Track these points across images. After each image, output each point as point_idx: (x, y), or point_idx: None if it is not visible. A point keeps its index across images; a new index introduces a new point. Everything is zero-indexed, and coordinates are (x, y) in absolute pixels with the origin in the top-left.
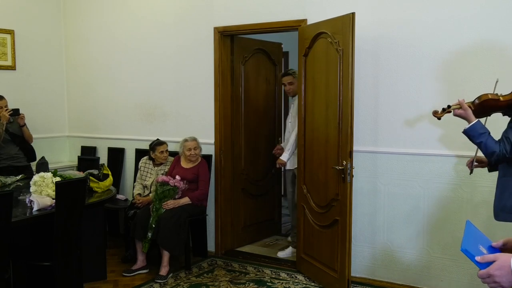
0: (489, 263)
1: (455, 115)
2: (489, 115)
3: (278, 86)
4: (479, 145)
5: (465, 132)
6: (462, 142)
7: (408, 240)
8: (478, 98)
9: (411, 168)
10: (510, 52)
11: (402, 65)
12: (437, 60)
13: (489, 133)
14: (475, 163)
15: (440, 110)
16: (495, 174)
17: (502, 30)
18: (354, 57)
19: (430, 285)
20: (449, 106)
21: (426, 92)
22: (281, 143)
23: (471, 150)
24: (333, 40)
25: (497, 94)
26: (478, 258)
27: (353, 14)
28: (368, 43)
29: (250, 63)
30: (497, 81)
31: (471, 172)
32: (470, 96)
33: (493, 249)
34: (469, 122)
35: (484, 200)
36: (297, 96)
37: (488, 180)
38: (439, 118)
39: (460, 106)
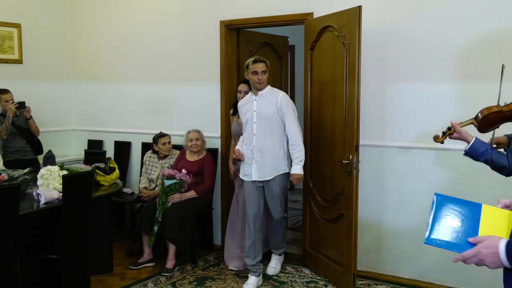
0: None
1: (451, 138)
2: (497, 127)
3: (284, 79)
4: (486, 163)
5: (467, 153)
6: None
7: (414, 233)
8: (481, 112)
9: (417, 162)
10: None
11: (409, 58)
12: (445, 54)
13: (491, 147)
14: (494, 145)
15: (440, 134)
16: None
17: (508, 21)
18: (360, 51)
19: (436, 279)
20: (449, 129)
21: (433, 85)
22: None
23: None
24: (339, 34)
25: (499, 106)
26: (471, 240)
27: (359, 7)
28: (375, 36)
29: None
30: (503, 67)
31: (440, 141)
32: (479, 90)
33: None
34: (467, 142)
35: (493, 194)
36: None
37: (496, 174)
38: (441, 143)
39: (453, 130)
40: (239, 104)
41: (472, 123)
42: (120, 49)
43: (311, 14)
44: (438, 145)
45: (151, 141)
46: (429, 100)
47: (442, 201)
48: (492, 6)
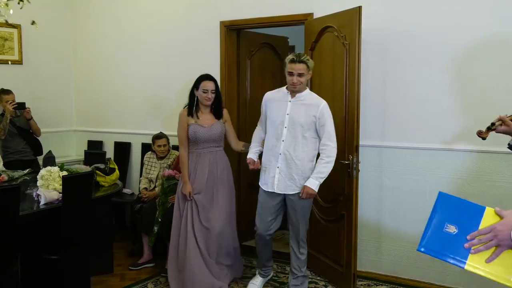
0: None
1: (497, 132)
2: None
3: (284, 81)
4: None
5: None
6: (468, 137)
7: (413, 234)
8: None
9: (417, 162)
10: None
11: (410, 59)
12: (446, 54)
13: None
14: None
15: (484, 129)
16: (505, 169)
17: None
18: (360, 51)
19: (435, 280)
20: (493, 124)
21: (434, 86)
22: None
23: (478, 145)
24: (339, 34)
25: None
26: (475, 234)
27: (359, 7)
28: (375, 36)
29: (257, 57)
30: None
31: (484, 137)
32: (480, 90)
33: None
34: None
35: (492, 194)
36: (304, 94)
37: (495, 175)
38: (484, 139)
39: (502, 122)
40: (268, 95)
41: None
42: (121, 50)
43: (311, 14)
44: (438, 145)
45: (151, 141)
46: (430, 101)
47: (444, 201)
48: (493, 7)
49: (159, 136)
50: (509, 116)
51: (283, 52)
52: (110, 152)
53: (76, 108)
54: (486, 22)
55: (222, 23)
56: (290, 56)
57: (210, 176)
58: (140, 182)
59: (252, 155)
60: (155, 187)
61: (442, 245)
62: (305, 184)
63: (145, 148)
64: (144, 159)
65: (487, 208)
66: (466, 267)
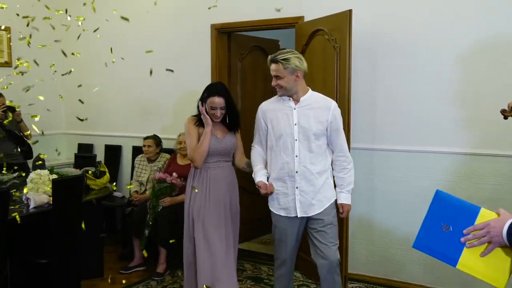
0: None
1: None
2: None
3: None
4: None
5: None
6: (458, 139)
7: (404, 236)
8: None
9: (408, 165)
10: (507, 48)
11: (400, 62)
12: (435, 58)
13: None
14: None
15: (508, 108)
16: (492, 171)
17: (502, 29)
18: (351, 54)
19: (426, 282)
20: None
21: (424, 89)
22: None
23: (466, 147)
24: (330, 37)
25: None
26: (469, 228)
27: (350, 11)
28: (365, 40)
29: (248, 60)
30: None
31: (507, 116)
32: (469, 94)
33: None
34: None
35: (480, 196)
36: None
37: (485, 177)
38: (506, 118)
39: None
40: (265, 106)
41: None
42: (111, 52)
43: (301, 17)
44: (429, 148)
45: (141, 144)
46: (419, 104)
47: (440, 200)
48: (482, 12)
49: (147, 137)
50: None
51: None
52: (100, 155)
53: (66, 111)
54: (475, 25)
55: (213, 26)
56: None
57: (218, 197)
58: (131, 185)
59: (261, 177)
60: (145, 190)
61: (436, 243)
62: (342, 202)
63: (136, 151)
64: (135, 162)
65: (482, 208)
66: (457, 266)
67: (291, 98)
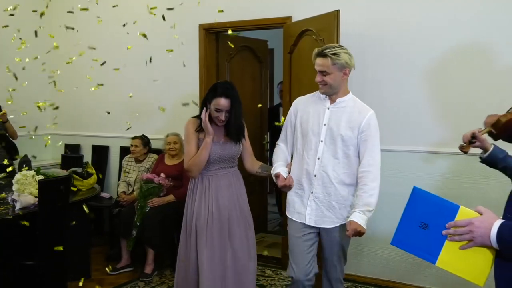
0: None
1: (473, 147)
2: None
3: (263, 83)
4: (503, 170)
5: (485, 160)
6: (445, 140)
7: (391, 235)
8: (502, 118)
9: (395, 165)
10: (495, 55)
11: (388, 63)
12: (423, 59)
13: (507, 154)
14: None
15: (465, 144)
16: (479, 171)
17: (490, 32)
18: None
19: (414, 281)
20: (474, 138)
21: (411, 90)
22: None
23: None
24: (318, 38)
25: None
26: (451, 223)
27: (337, 11)
28: (353, 41)
29: (236, 60)
30: None
31: (466, 151)
32: (455, 96)
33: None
34: (485, 150)
35: (467, 196)
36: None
37: (470, 177)
38: (465, 153)
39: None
40: (300, 99)
41: (490, 131)
42: (99, 52)
43: (289, 18)
44: (418, 148)
45: (129, 145)
46: (407, 105)
47: (418, 197)
48: (470, 15)
49: (134, 137)
50: (481, 131)
51: (263, 55)
52: (87, 156)
53: (53, 111)
54: (463, 28)
55: (201, 26)
56: (317, 51)
57: (222, 207)
58: (118, 186)
59: (280, 169)
60: (133, 190)
61: (415, 241)
62: (351, 219)
63: (124, 151)
64: (123, 162)
65: (461, 207)
66: (437, 263)
67: (327, 97)
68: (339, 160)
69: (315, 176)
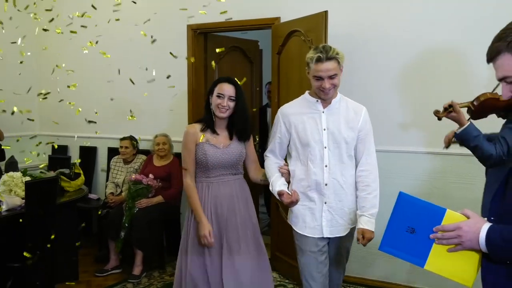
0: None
1: (447, 117)
2: (486, 117)
3: (255, 84)
4: (474, 149)
5: (459, 136)
6: (432, 140)
7: (378, 235)
8: (477, 98)
9: (384, 165)
10: (476, 52)
11: (375, 63)
12: (409, 61)
13: (483, 135)
14: (454, 139)
15: (441, 110)
16: (466, 171)
17: (474, 32)
18: None
19: (403, 281)
20: (450, 106)
21: (398, 90)
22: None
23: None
24: (306, 38)
25: (496, 93)
26: (438, 227)
27: (325, 12)
28: (341, 41)
29: (225, 61)
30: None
31: (447, 147)
32: (442, 95)
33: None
34: (461, 125)
35: (454, 195)
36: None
37: (458, 176)
38: (439, 119)
39: (452, 108)
40: (287, 109)
41: (469, 106)
42: (86, 52)
43: (278, 18)
44: (405, 148)
45: (117, 146)
46: (395, 105)
47: (404, 202)
48: (454, 16)
49: (123, 138)
50: (460, 104)
51: (253, 56)
52: (75, 157)
53: (40, 112)
54: (448, 30)
55: (189, 26)
56: (312, 54)
57: (220, 219)
58: (106, 187)
59: (281, 186)
60: (121, 192)
61: (403, 245)
62: (363, 227)
63: (112, 152)
64: (111, 163)
65: (447, 210)
66: (425, 267)
67: (319, 100)
68: (345, 164)
69: (326, 185)
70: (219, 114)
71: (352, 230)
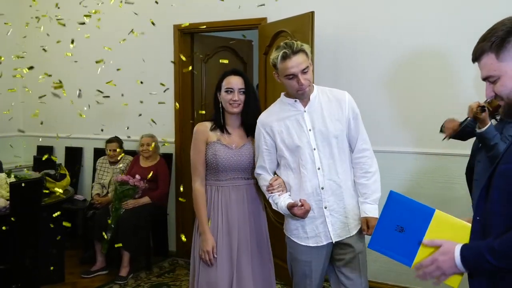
0: (411, 256)
1: (482, 117)
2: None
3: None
4: (493, 147)
5: (484, 133)
6: (419, 140)
7: (369, 236)
8: (491, 102)
9: None
10: (462, 53)
11: (361, 64)
12: (396, 61)
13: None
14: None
15: (476, 110)
16: (453, 170)
17: (458, 31)
18: (313, 56)
19: (389, 280)
20: (489, 103)
21: (384, 91)
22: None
23: (427, 147)
24: (293, 39)
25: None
26: (426, 241)
27: (312, 13)
28: (328, 42)
29: (214, 61)
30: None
31: (448, 138)
32: (429, 95)
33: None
34: (485, 124)
35: (441, 195)
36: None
37: (444, 176)
38: (477, 118)
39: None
40: (265, 118)
41: (488, 108)
42: (70, 51)
43: (264, 19)
44: (391, 148)
45: (103, 146)
46: (382, 104)
47: (394, 201)
48: (440, 17)
49: (110, 140)
50: (483, 103)
51: (246, 56)
52: (61, 158)
53: (24, 112)
54: (433, 31)
55: (175, 26)
56: (276, 53)
57: (231, 228)
58: (92, 188)
59: (288, 200)
60: (107, 193)
61: (391, 244)
62: (367, 216)
63: (98, 153)
64: (97, 164)
65: (436, 211)
66: (412, 266)
67: (297, 100)
68: (338, 160)
69: (322, 188)
70: (232, 110)
71: (360, 226)
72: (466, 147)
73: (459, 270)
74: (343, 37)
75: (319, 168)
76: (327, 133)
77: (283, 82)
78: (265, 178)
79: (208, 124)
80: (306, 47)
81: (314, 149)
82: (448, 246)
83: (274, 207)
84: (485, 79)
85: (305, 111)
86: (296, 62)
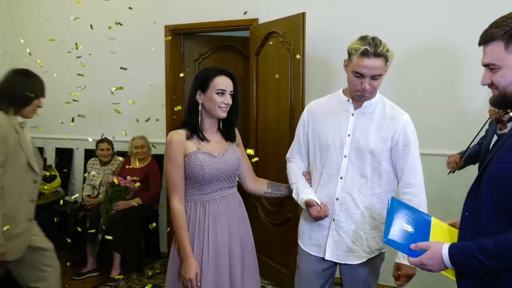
0: (422, 251)
1: (504, 118)
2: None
3: (246, 83)
4: None
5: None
6: None
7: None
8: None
9: None
10: (455, 52)
11: None
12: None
13: None
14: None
15: (503, 112)
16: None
17: (450, 30)
18: (305, 56)
19: (382, 280)
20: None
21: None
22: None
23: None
24: (284, 40)
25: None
26: (412, 246)
27: (303, 13)
28: (319, 43)
29: (211, 61)
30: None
31: (454, 171)
32: (422, 95)
33: (423, 227)
34: (505, 126)
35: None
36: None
37: (435, 177)
38: (501, 120)
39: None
40: (314, 105)
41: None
42: (60, 53)
43: (256, 20)
44: None
45: (94, 147)
46: None
47: (397, 206)
48: (432, 16)
49: (101, 140)
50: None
51: (247, 50)
52: (51, 159)
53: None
54: (426, 30)
55: (167, 27)
56: (358, 44)
57: (221, 242)
58: (83, 189)
59: (311, 195)
60: (98, 194)
61: (403, 240)
62: (400, 262)
63: (89, 154)
64: (88, 165)
65: (432, 218)
66: None
67: (350, 100)
68: (367, 179)
69: (337, 199)
70: (220, 114)
71: (374, 261)
72: (464, 147)
73: (446, 267)
74: (335, 38)
75: (341, 178)
76: (364, 146)
77: (348, 74)
78: (297, 164)
79: (182, 132)
80: (390, 54)
81: (345, 156)
82: (434, 250)
83: (294, 195)
84: (486, 65)
85: (352, 114)
86: (372, 65)
